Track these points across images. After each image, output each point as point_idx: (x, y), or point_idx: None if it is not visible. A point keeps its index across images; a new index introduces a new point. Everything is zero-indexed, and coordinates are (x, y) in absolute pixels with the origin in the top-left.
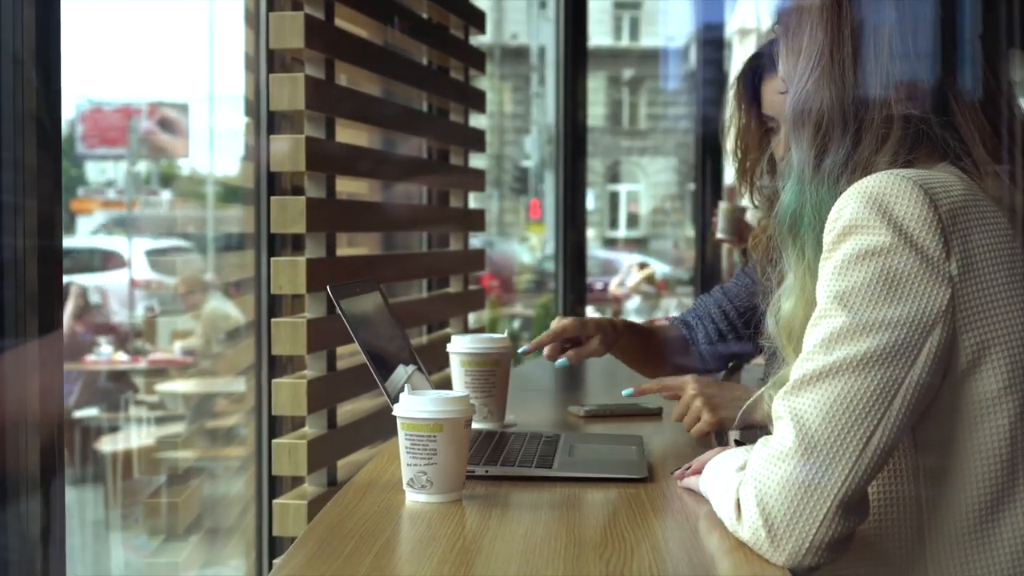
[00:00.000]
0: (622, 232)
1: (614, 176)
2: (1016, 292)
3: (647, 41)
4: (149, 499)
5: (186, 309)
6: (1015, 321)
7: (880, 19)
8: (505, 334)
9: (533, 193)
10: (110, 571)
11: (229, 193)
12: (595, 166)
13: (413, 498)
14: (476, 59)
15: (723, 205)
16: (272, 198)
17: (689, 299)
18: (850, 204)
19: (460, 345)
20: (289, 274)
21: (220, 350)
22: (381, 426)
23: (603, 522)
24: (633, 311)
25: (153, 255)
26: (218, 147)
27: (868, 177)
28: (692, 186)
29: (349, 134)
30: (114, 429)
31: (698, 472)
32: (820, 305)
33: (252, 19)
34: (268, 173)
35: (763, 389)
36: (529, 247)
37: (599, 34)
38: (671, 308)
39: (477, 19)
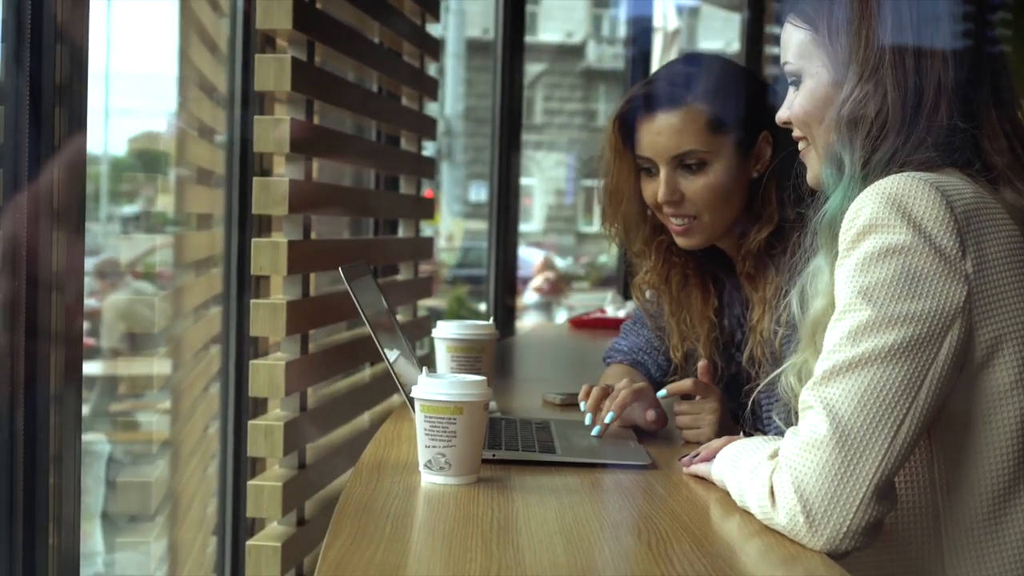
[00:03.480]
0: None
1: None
2: None
3: (545, 36)
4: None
5: (100, 290)
6: None
7: (936, 27)
8: (491, 321)
9: (427, 184)
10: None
11: (148, 165)
12: (489, 158)
13: (430, 480)
14: (431, 46)
15: None
16: (255, 179)
17: (586, 295)
18: (868, 204)
19: (447, 331)
20: (270, 255)
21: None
22: (343, 412)
23: (626, 506)
24: (533, 308)
25: None
26: (113, 126)
27: (884, 179)
28: (587, 182)
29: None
30: None
31: (707, 460)
32: (844, 300)
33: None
34: (241, 154)
35: (779, 370)
36: None
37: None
38: (570, 303)
39: (433, 5)
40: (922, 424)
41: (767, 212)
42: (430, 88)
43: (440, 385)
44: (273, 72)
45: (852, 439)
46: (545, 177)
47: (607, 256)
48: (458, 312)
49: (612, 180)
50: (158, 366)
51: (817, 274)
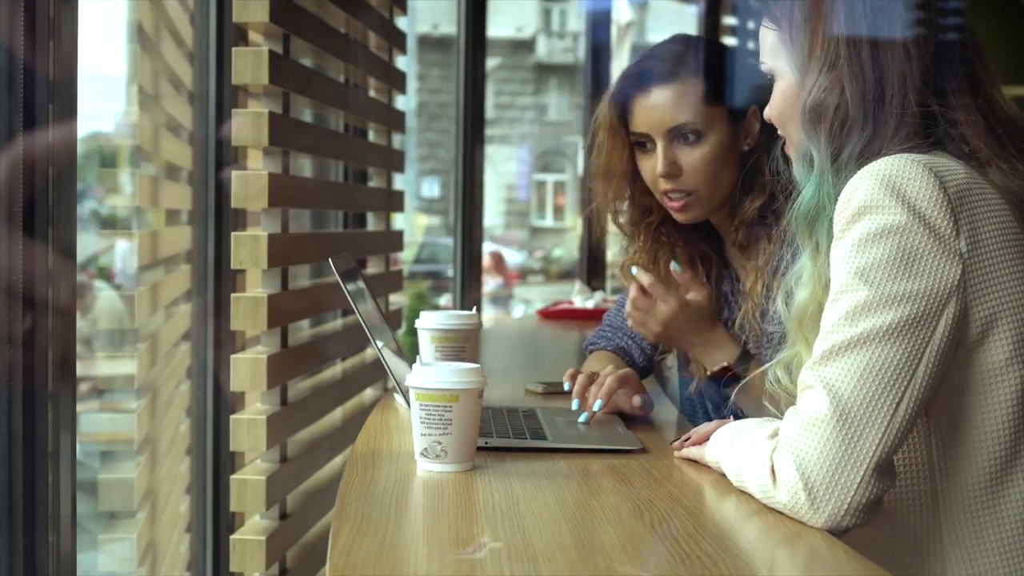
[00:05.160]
0: None
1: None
2: (1019, 267)
3: (495, 30)
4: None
5: None
6: (1019, 295)
7: (892, 18)
8: (474, 310)
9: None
10: None
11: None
12: (441, 154)
13: (426, 467)
14: (399, 39)
15: None
16: (234, 173)
17: (541, 288)
18: (862, 186)
19: (431, 321)
20: (251, 249)
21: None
22: (320, 405)
23: (623, 490)
24: (490, 302)
25: None
26: None
27: (877, 161)
28: (539, 176)
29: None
30: None
31: (698, 443)
32: (840, 281)
33: None
34: (217, 148)
35: (766, 366)
36: None
37: (447, 23)
38: (523, 296)
39: None
40: (920, 401)
41: (759, 183)
42: (399, 81)
43: (436, 373)
44: (251, 65)
45: (852, 417)
46: (497, 172)
47: (561, 249)
48: (419, 307)
49: (604, 159)
50: (124, 365)
51: (800, 268)
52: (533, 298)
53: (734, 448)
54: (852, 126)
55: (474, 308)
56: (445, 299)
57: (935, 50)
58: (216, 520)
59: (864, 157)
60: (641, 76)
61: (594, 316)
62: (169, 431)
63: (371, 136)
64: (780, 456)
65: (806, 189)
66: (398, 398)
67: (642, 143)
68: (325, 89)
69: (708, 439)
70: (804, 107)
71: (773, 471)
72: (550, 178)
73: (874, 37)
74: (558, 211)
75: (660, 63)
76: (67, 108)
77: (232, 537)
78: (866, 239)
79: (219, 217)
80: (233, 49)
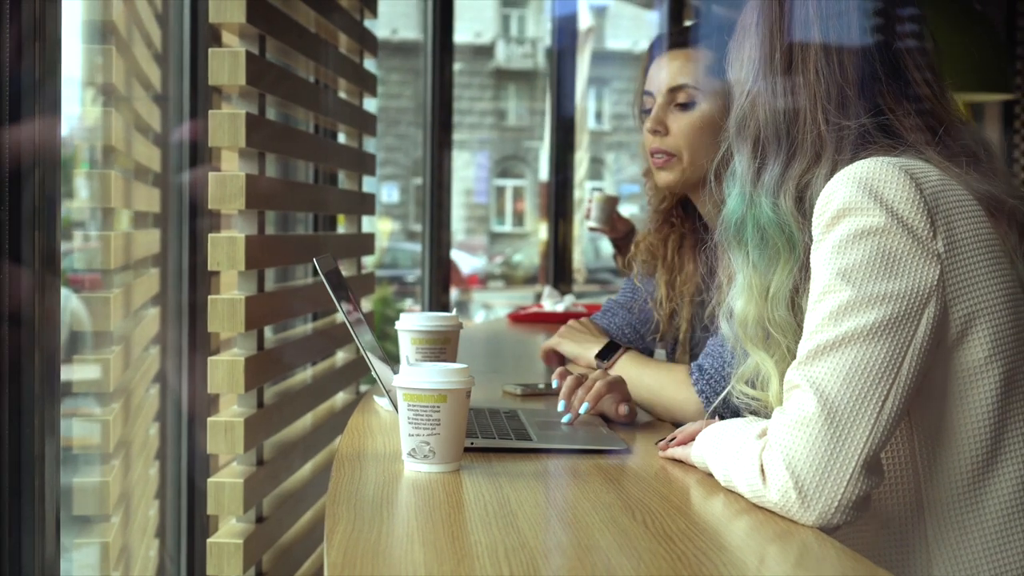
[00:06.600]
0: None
1: (419, 170)
2: (994, 267)
3: (455, 36)
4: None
5: None
6: (995, 294)
7: (808, 37)
8: (454, 312)
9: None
10: None
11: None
12: (400, 159)
13: (414, 468)
14: (370, 42)
15: (597, 195)
16: (211, 174)
17: (500, 293)
18: (841, 189)
19: (411, 322)
20: (228, 251)
21: None
22: (294, 408)
23: (612, 489)
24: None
25: None
26: None
27: (856, 163)
28: (499, 181)
29: None
30: None
31: (683, 443)
32: (822, 282)
33: None
34: (192, 151)
35: (731, 384)
36: None
37: (407, 28)
38: (484, 300)
39: (370, 0)
40: (905, 399)
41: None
42: (369, 84)
43: (424, 373)
44: (227, 66)
45: (840, 415)
46: (457, 177)
47: (521, 255)
48: (384, 312)
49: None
50: (87, 370)
51: (732, 279)
52: (494, 303)
53: (721, 448)
54: (767, 147)
55: (453, 310)
56: (408, 304)
57: (859, 70)
58: (191, 524)
59: (787, 180)
60: (664, 40)
61: (564, 320)
62: (140, 435)
63: (342, 138)
64: (769, 455)
65: (731, 200)
66: (379, 400)
67: (647, 109)
68: (299, 91)
69: (693, 439)
70: (732, 121)
71: (763, 470)
72: (509, 183)
73: (788, 60)
74: (517, 216)
75: (686, 33)
76: (51, 110)
77: (209, 540)
78: (847, 240)
79: (192, 219)
80: (210, 50)
